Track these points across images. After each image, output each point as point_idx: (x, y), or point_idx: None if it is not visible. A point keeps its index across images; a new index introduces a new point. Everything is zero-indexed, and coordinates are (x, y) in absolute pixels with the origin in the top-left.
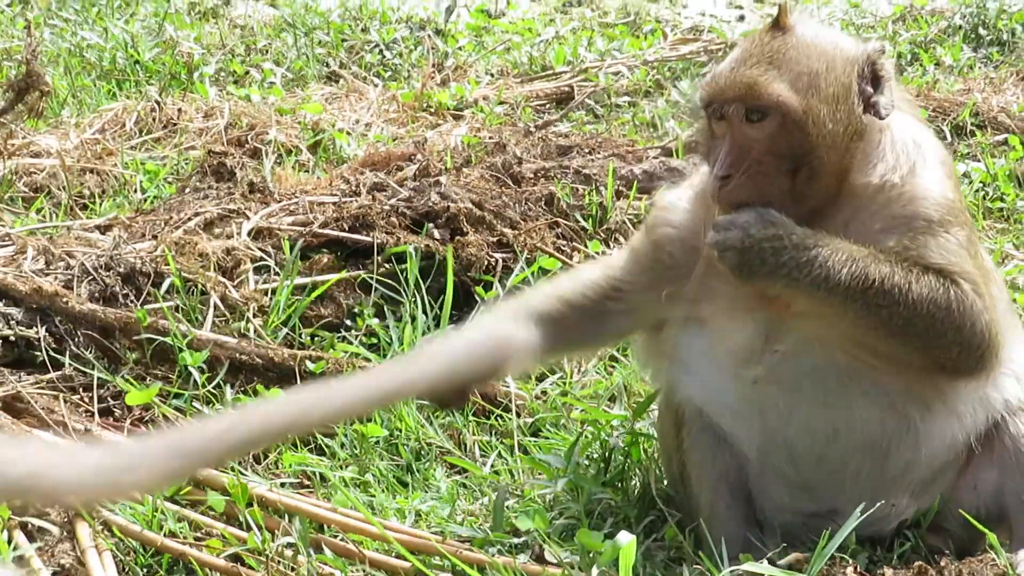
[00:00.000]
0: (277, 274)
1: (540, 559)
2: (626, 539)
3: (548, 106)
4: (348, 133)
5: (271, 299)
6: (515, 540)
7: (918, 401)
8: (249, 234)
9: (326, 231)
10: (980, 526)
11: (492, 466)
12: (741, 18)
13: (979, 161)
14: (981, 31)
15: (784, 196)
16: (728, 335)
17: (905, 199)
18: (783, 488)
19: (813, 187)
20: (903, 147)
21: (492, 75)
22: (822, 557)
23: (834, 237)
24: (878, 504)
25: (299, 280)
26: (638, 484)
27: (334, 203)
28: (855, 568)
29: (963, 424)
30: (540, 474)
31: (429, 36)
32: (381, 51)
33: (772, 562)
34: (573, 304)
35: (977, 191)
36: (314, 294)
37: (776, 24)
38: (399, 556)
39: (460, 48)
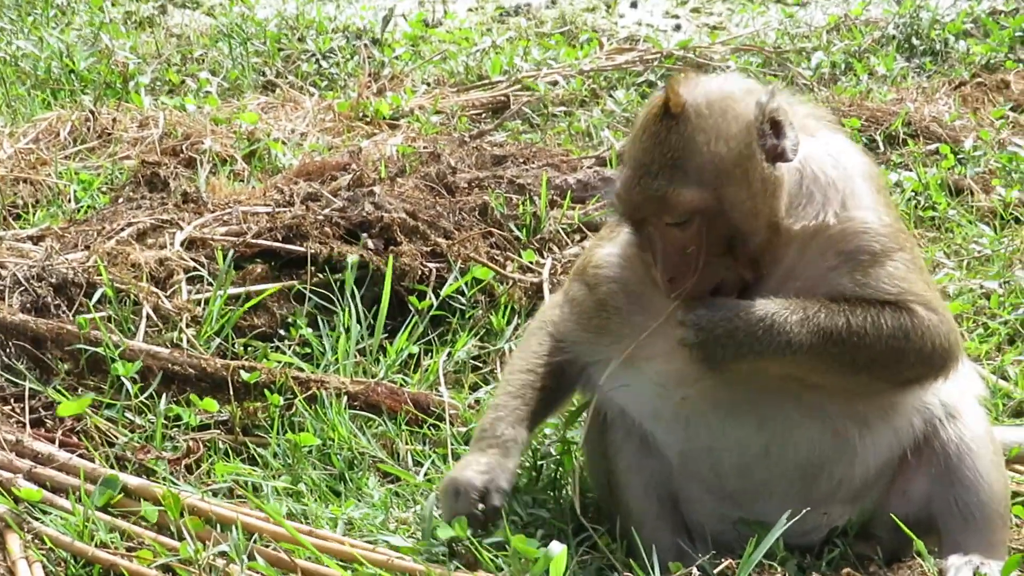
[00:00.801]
0: (210, 284)
1: (471, 567)
2: (558, 548)
3: (484, 115)
4: (284, 143)
5: (204, 309)
6: (445, 549)
7: (858, 419)
8: (182, 244)
9: (260, 241)
10: (909, 532)
11: (426, 475)
12: (677, 28)
13: (911, 170)
14: (914, 41)
15: (731, 270)
16: (663, 361)
17: (847, 236)
18: (707, 495)
19: (753, 251)
20: (826, 181)
21: (429, 84)
22: (749, 564)
23: (784, 299)
24: (807, 514)
25: (232, 290)
26: (570, 492)
27: (268, 213)
28: (784, 575)
29: (900, 437)
30: None
31: (366, 46)
32: (318, 61)
33: (703, 569)
34: (540, 387)
35: (909, 200)
36: (248, 304)
37: (667, 112)
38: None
39: (397, 57)
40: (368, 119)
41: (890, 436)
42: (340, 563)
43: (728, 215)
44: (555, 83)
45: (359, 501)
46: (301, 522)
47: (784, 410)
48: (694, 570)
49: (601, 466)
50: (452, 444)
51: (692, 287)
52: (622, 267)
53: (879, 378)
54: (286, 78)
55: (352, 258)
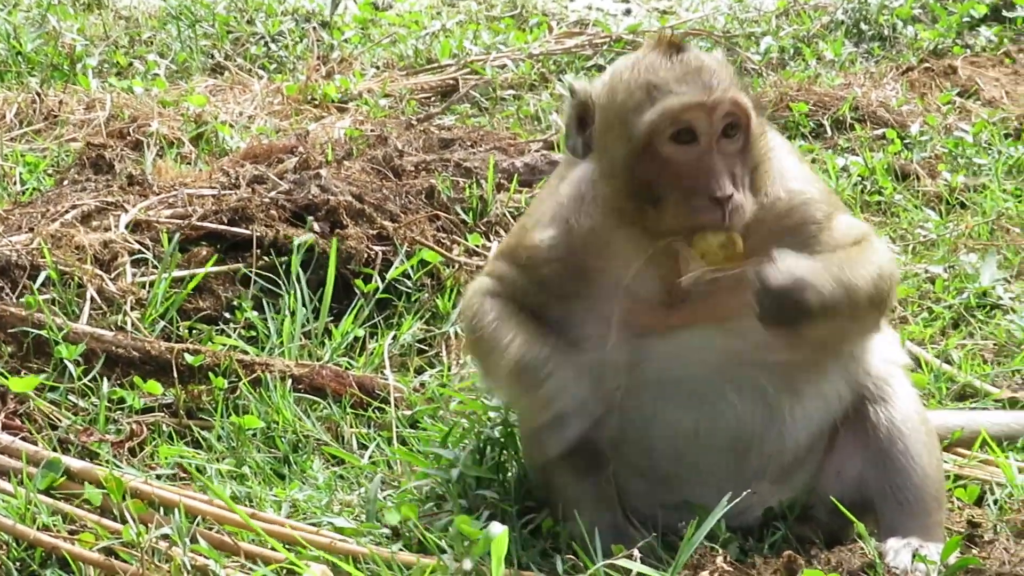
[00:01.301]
0: (155, 267)
1: (419, 549)
2: (498, 530)
3: (433, 99)
4: (231, 125)
5: (149, 292)
6: (389, 531)
7: (790, 390)
8: (127, 227)
9: (205, 224)
10: (849, 514)
11: (370, 457)
12: (628, 12)
13: (858, 155)
14: (863, 26)
15: (753, 210)
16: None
17: (797, 207)
18: (640, 481)
19: (762, 198)
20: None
21: (378, 68)
22: (689, 547)
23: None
24: (740, 494)
25: (177, 273)
26: (515, 476)
27: (213, 196)
28: (725, 558)
29: (829, 406)
30: (418, 466)
31: (315, 28)
32: (267, 43)
33: (645, 552)
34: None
35: (855, 185)
36: (190, 285)
37: (673, 45)
38: (276, 548)
39: (346, 41)
40: (316, 102)
41: (820, 405)
42: (284, 546)
43: (758, 145)
44: (504, 67)
45: (303, 484)
46: (245, 505)
47: (715, 386)
48: (636, 552)
49: (536, 453)
50: (397, 427)
51: (743, 210)
52: (565, 248)
53: (879, 313)
54: (235, 61)
55: (298, 241)
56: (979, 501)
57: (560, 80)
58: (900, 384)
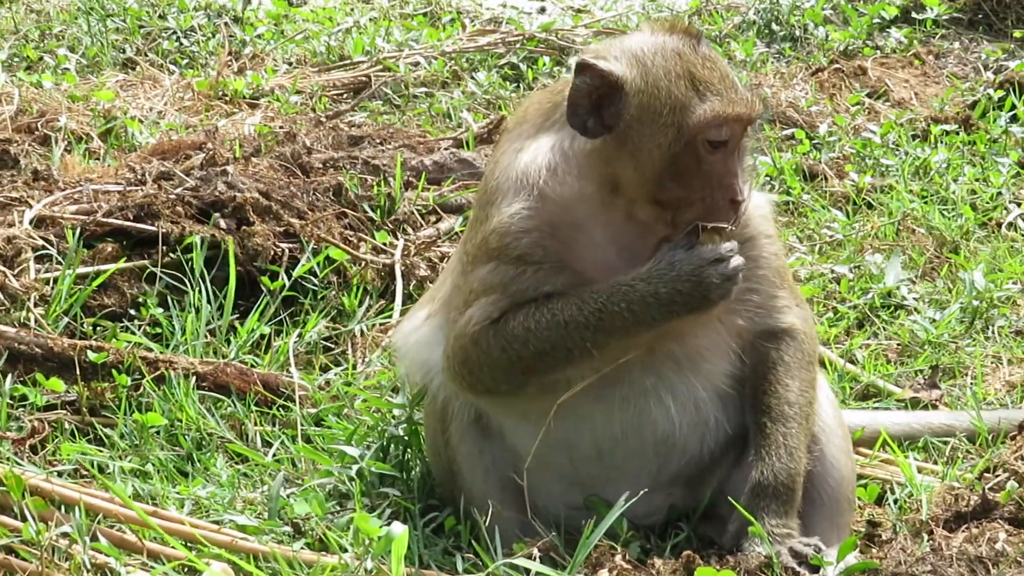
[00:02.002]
0: (60, 263)
1: (321, 547)
2: (399, 529)
3: (346, 96)
4: (141, 121)
5: (53, 288)
6: (291, 528)
7: (718, 395)
8: (31, 222)
9: (111, 220)
10: (748, 515)
11: (275, 455)
12: (542, 10)
13: (766, 155)
14: (774, 27)
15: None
16: None
17: (753, 222)
18: (555, 483)
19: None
20: None
21: (290, 64)
22: (587, 545)
23: None
24: (654, 494)
25: (82, 269)
26: (419, 474)
27: (119, 192)
28: (624, 556)
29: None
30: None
31: (226, 24)
32: (179, 39)
33: (545, 551)
34: None
35: (764, 185)
36: (95, 283)
37: (692, 35)
38: (176, 547)
39: (259, 36)
40: (227, 98)
41: (740, 414)
42: (186, 544)
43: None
44: (417, 64)
45: (207, 481)
46: (148, 503)
47: (645, 389)
48: (535, 551)
49: (441, 451)
50: (302, 425)
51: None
52: (538, 217)
53: None
54: (146, 56)
55: (200, 237)
56: (879, 500)
57: (472, 78)
58: (819, 387)
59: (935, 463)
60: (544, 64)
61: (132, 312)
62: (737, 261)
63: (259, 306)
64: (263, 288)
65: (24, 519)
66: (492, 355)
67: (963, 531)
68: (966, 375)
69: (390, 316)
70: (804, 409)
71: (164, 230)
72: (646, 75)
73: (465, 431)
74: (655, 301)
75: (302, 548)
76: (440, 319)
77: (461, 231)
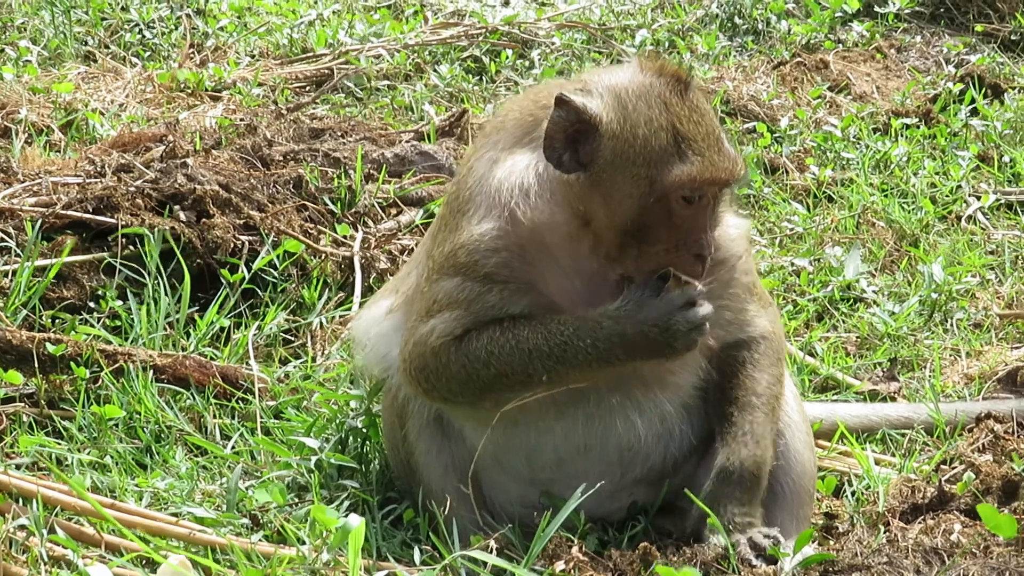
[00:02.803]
0: (18, 256)
1: (279, 539)
2: (356, 521)
3: (308, 89)
4: (102, 113)
5: (12, 281)
6: (249, 521)
7: (683, 407)
8: None
9: (70, 212)
10: (705, 507)
11: (233, 447)
12: (506, 3)
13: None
14: (737, 20)
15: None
16: None
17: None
18: (514, 483)
19: None
20: None
21: (252, 57)
22: (543, 538)
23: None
24: (615, 494)
25: (41, 262)
26: (377, 466)
27: (79, 184)
28: (580, 548)
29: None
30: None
31: (189, 16)
32: (141, 31)
33: (502, 546)
34: None
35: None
36: (51, 274)
37: (681, 81)
38: (132, 539)
39: (221, 29)
40: (189, 91)
41: (704, 423)
42: (143, 537)
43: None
44: (379, 57)
45: (166, 474)
46: (106, 495)
47: (611, 407)
48: (492, 543)
49: (399, 446)
50: (261, 418)
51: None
52: (510, 238)
53: None
54: (108, 48)
55: (157, 230)
56: (837, 492)
57: (435, 71)
58: (785, 382)
59: (892, 455)
60: (507, 57)
61: (91, 304)
62: (706, 310)
63: (218, 299)
64: (223, 280)
65: None
66: (451, 369)
67: (919, 523)
68: (924, 367)
69: (350, 309)
70: (771, 401)
71: (123, 222)
72: (625, 119)
73: (423, 429)
74: (620, 341)
75: (260, 540)
76: (401, 315)
77: (422, 224)
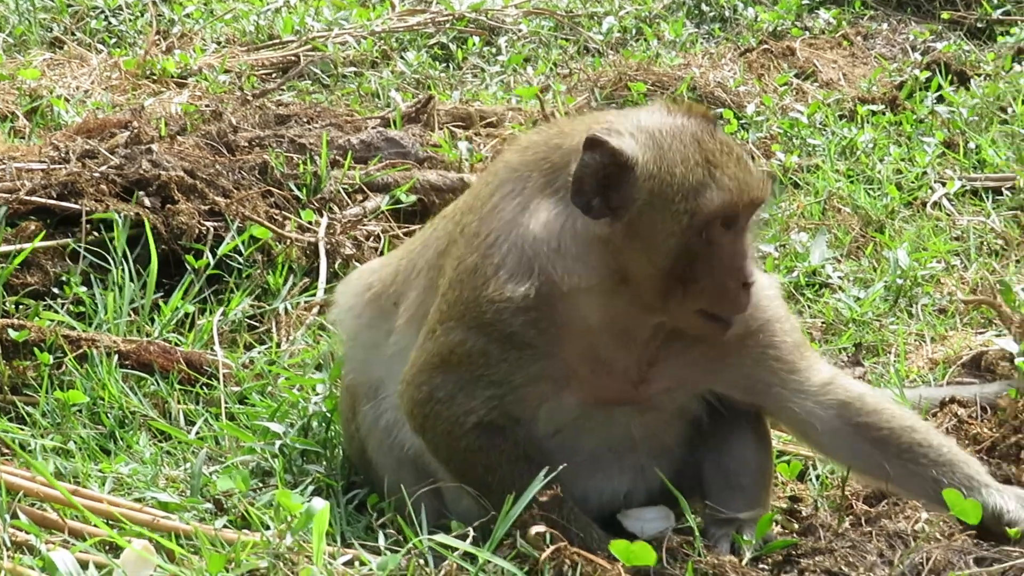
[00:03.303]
0: None
1: (243, 524)
2: (320, 505)
3: (275, 75)
4: (67, 100)
5: None
6: (213, 506)
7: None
8: None
9: (34, 198)
10: (675, 490)
11: (198, 433)
12: None
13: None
14: (704, 7)
15: None
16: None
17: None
18: None
19: None
20: None
21: (219, 43)
22: (505, 522)
23: None
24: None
25: (4, 248)
26: (342, 451)
27: (43, 170)
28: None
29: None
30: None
31: (155, 3)
32: (107, 17)
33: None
34: None
35: None
36: (16, 260)
37: (710, 119)
38: (98, 525)
39: (187, 15)
40: (155, 77)
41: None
42: (107, 522)
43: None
44: (346, 44)
45: (130, 459)
46: (69, 481)
47: (623, 456)
48: (454, 525)
49: (354, 435)
50: (226, 403)
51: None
52: (542, 302)
53: None
54: (74, 35)
55: (123, 216)
56: (801, 476)
57: (402, 58)
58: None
59: None
60: (474, 44)
61: (55, 291)
62: None
63: (183, 284)
64: (187, 266)
65: None
66: (438, 427)
67: (883, 506)
68: (889, 353)
69: (315, 294)
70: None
71: (88, 208)
72: (661, 159)
73: (373, 425)
74: None
75: (224, 526)
76: (403, 338)
77: (388, 209)
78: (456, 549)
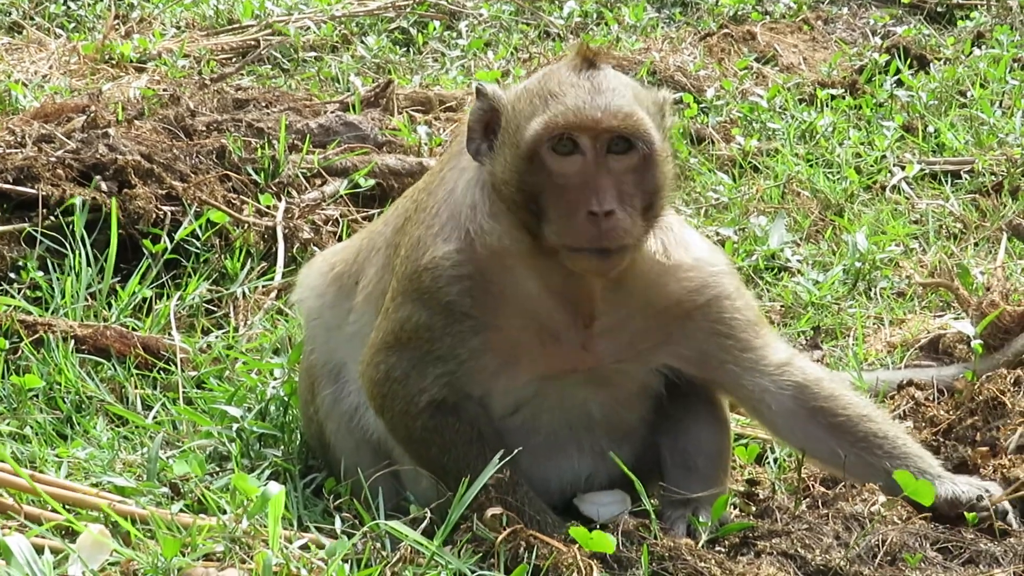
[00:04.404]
0: None
1: (200, 508)
2: (276, 489)
3: (234, 60)
4: (25, 85)
5: None
6: (169, 490)
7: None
8: None
9: None
10: (629, 473)
11: (155, 418)
12: None
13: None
14: None
15: (640, 239)
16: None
17: (709, 287)
18: None
19: (654, 232)
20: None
21: (178, 28)
22: (459, 507)
23: None
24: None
25: None
26: (299, 435)
27: None
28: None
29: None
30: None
31: None
32: (66, 1)
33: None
34: None
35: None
36: None
37: (587, 60)
38: (56, 509)
39: (147, 0)
40: (114, 62)
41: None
42: (64, 506)
43: (660, 167)
44: (307, 29)
45: (87, 444)
46: (26, 465)
47: (575, 440)
48: (412, 508)
49: (312, 418)
50: (183, 388)
51: (624, 230)
52: (470, 263)
53: None
54: (33, 20)
55: (80, 200)
56: (759, 459)
57: (362, 42)
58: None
59: None
60: (434, 28)
61: (12, 275)
62: None
63: (140, 269)
64: (145, 251)
65: None
66: (395, 407)
67: (840, 489)
68: (848, 336)
69: (272, 279)
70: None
71: (44, 193)
72: (518, 99)
73: (332, 407)
74: None
75: (180, 510)
76: (363, 317)
77: (346, 194)
78: (412, 531)
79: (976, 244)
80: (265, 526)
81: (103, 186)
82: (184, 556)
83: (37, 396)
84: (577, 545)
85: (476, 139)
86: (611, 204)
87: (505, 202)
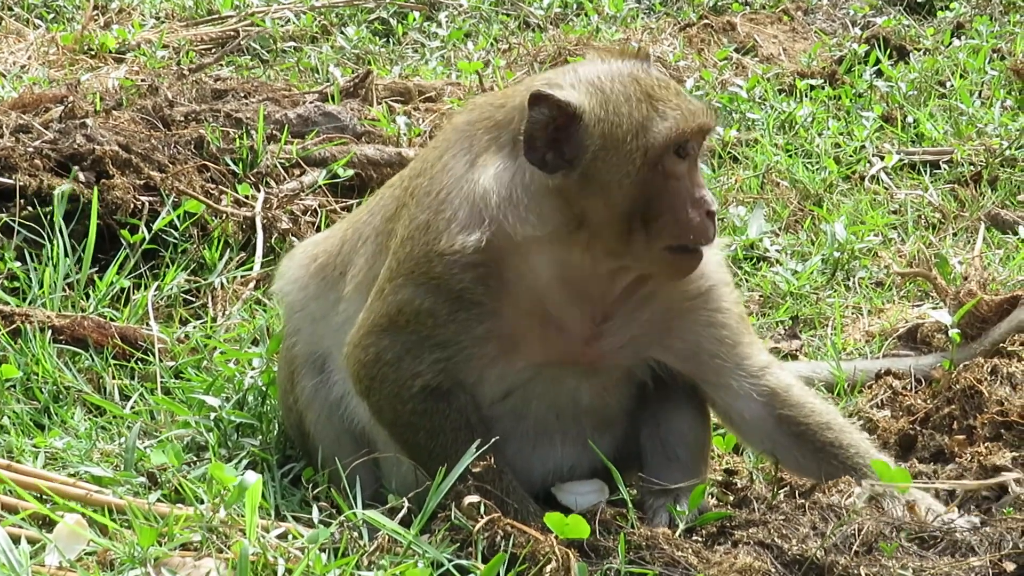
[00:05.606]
0: None
1: (177, 498)
2: (253, 478)
3: (214, 51)
4: (3, 75)
5: None
6: (147, 480)
7: (628, 401)
8: None
9: None
10: (609, 463)
11: (133, 407)
12: None
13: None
14: None
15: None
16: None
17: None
18: None
19: None
20: None
21: (158, 19)
22: (437, 495)
23: None
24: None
25: None
26: (277, 425)
27: None
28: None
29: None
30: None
31: None
32: None
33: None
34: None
35: None
36: None
37: (644, 56)
38: (25, 498)
39: None
40: (93, 53)
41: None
42: (41, 496)
43: None
44: (286, 19)
45: (64, 434)
46: (2, 456)
47: (556, 428)
48: (390, 498)
49: (292, 407)
50: (161, 378)
51: None
52: (491, 253)
53: None
54: (11, 10)
55: (60, 190)
56: (737, 449)
57: (342, 33)
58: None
59: None
60: (414, 19)
61: None
62: None
63: (118, 259)
64: (123, 241)
65: None
66: (384, 390)
67: None
68: (826, 325)
69: (251, 269)
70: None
71: (21, 183)
72: (606, 102)
73: (313, 396)
74: None
75: (157, 500)
76: (351, 305)
77: (325, 184)
78: (389, 521)
79: (954, 234)
80: (242, 515)
81: (81, 176)
82: (161, 546)
83: (14, 386)
84: (554, 534)
85: (541, 148)
86: (713, 202)
87: (603, 211)
